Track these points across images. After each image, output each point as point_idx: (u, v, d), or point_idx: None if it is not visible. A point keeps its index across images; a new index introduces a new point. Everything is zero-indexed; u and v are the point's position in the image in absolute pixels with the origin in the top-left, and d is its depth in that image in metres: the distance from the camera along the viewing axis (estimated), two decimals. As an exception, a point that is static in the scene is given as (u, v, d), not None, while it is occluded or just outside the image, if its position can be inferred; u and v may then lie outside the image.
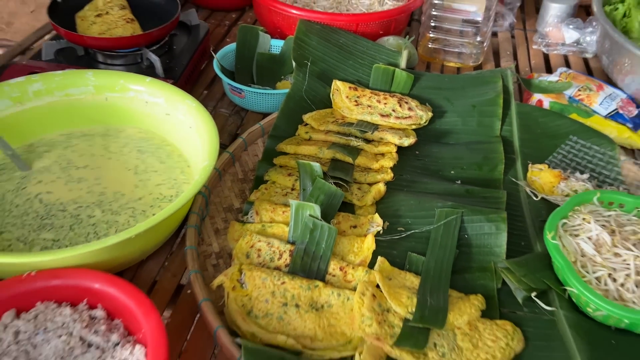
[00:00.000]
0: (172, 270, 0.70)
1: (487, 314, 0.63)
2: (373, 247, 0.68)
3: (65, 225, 0.67)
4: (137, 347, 0.54)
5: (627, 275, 0.63)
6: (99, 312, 0.57)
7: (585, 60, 1.18)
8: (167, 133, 0.81)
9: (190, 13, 1.05)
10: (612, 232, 0.67)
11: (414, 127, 0.88)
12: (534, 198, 0.80)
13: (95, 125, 0.82)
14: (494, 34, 1.27)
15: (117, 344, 0.55)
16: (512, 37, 1.28)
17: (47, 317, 0.56)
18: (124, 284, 0.57)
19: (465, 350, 0.59)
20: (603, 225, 0.68)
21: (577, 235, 0.68)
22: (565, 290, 0.64)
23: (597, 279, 0.63)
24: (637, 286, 0.62)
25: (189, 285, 0.67)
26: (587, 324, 0.63)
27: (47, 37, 1.10)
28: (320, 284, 0.64)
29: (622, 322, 0.61)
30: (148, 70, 0.94)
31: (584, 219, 0.69)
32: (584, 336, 0.61)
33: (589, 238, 0.67)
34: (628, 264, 0.63)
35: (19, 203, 0.70)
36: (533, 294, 0.65)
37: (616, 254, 0.65)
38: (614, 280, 0.63)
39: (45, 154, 0.76)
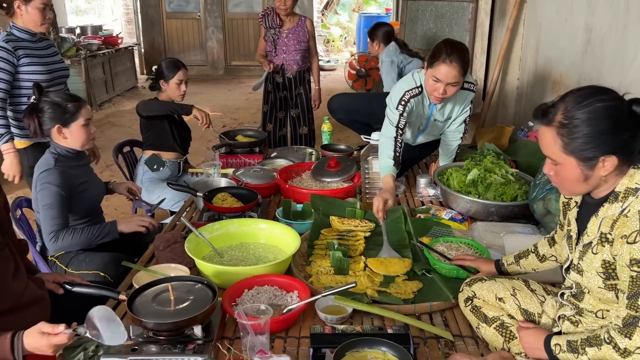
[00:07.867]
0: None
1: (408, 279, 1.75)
2: (362, 266, 1.80)
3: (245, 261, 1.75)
4: (295, 292, 1.60)
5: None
6: (276, 286, 1.63)
7: (439, 200, 2.48)
8: (271, 239, 1.93)
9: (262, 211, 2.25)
10: (447, 248, 1.85)
11: (368, 229, 2.07)
12: (422, 247, 1.98)
13: (240, 241, 1.93)
14: (397, 195, 2.56)
15: (286, 294, 1.61)
16: (405, 195, 2.58)
17: (260, 289, 1.62)
18: (284, 275, 1.65)
19: (402, 287, 1.70)
20: (444, 247, 1.86)
21: (436, 250, 1.85)
22: (435, 268, 1.79)
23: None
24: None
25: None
26: (442, 277, 1.77)
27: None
28: (347, 276, 1.74)
29: (453, 273, 1.75)
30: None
31: (438, 245, 1.87)
32: (442, 280, 1.74)
33: (440, 250, 1.84)
34: (453, 256, 1.81)
35: (221, 261, 1.77)
36: (425, 270, 1.79)
37: (449, 254, 1.82)
38: (450, 261, 1.79)
39: (227, 250, 1.86)
